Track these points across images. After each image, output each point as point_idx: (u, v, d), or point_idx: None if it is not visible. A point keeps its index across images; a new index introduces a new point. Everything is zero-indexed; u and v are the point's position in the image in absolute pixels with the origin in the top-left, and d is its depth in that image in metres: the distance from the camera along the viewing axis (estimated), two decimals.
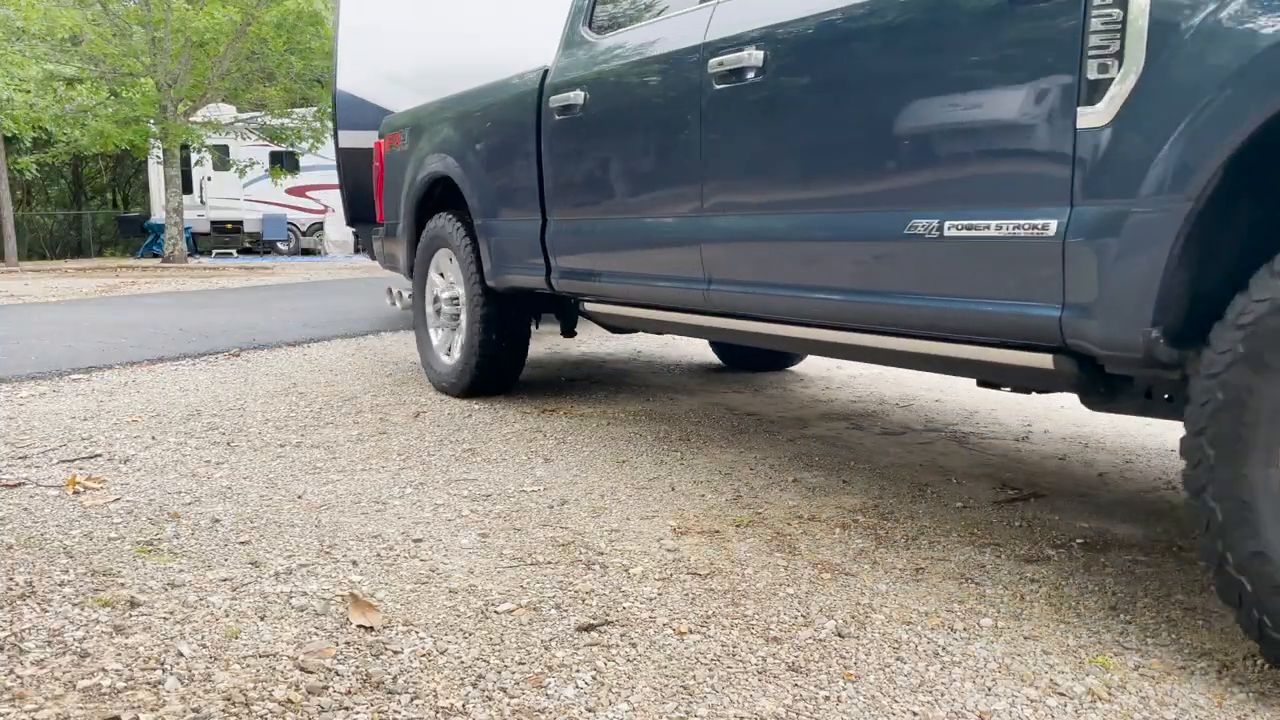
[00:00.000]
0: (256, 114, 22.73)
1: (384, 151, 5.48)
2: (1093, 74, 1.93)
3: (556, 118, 3.84)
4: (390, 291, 5.71)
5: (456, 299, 4.74)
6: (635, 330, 4.40)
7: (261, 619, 2.13)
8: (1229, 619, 2.17)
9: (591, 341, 7.12)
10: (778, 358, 5.62)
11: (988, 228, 2.17)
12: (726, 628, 2.11)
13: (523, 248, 4.13)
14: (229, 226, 26.04)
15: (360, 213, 7.39)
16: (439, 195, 4.90)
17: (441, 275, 4.90)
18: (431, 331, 5.01)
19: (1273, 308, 1.60)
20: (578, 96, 3.71)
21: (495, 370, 4.61)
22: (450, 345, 4.85)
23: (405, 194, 5.10)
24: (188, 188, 24.24)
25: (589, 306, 4.11)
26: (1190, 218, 1.75)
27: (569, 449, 3.76)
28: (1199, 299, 1.84)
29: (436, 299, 4.90)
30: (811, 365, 5.93)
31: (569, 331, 4.80)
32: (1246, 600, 1.75)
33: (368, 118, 7.11)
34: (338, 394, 4.95)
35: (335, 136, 7.68)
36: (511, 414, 4.44)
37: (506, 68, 4.49)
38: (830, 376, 5.51)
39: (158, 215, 24.39)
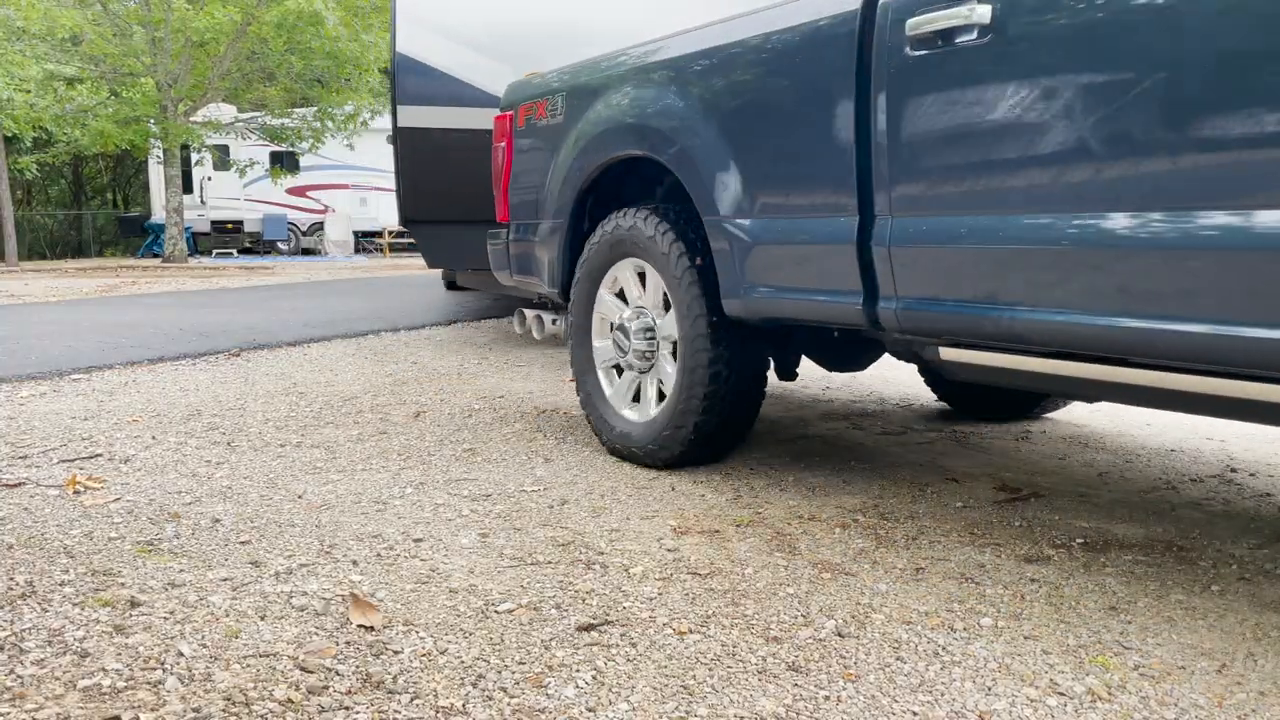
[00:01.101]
0: (257, 114, 22.74)
1: (515, 127, 4.19)
2: None
3: (916, 54, 2.45)
4: (522, 316, 4.35)
5: (650, 331, 3.41)
6: (1059, 395, 3.58)
7: (262, 619, 2.13)
8: (1229, 618, 2.18)
9: None
10: (1029, 401, 4.30)
11: None
12: (726, 627, 2.11)
13: (815, 260, 2.81)
14: (229, 226, 26.04)
15: (421, 209, 6.40)
16: (612, 185, 3.69)
17: (621, 296, 3.60)
18: (602, 375, 3.68)
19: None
20: (975, 14, 2.29)
21: (723, 432, 3.31)
22: (641, 394, 3.52)
23: (558, 183, 3.80)
24: (188, 188, 24.24)
25: (951, 355, 2.67)
26: None
27: (569, 449, 3.77)
28: None
29: (618, 328, 3.52)
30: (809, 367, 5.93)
31: (789, 374, 3.56)
32: None
33: (435, 89, 6.21)
34: (338, 394, 4.95)
35: (394, 112, 6.41)
36: (511, 414, 4.44)
37: (637, 28, 3.64)
38: (830, 377, 5.51)
39: (158, 215, 24.40)
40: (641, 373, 3.51)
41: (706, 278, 3.14)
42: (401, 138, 6.31)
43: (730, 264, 3.03)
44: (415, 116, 6.28)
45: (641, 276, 3.49)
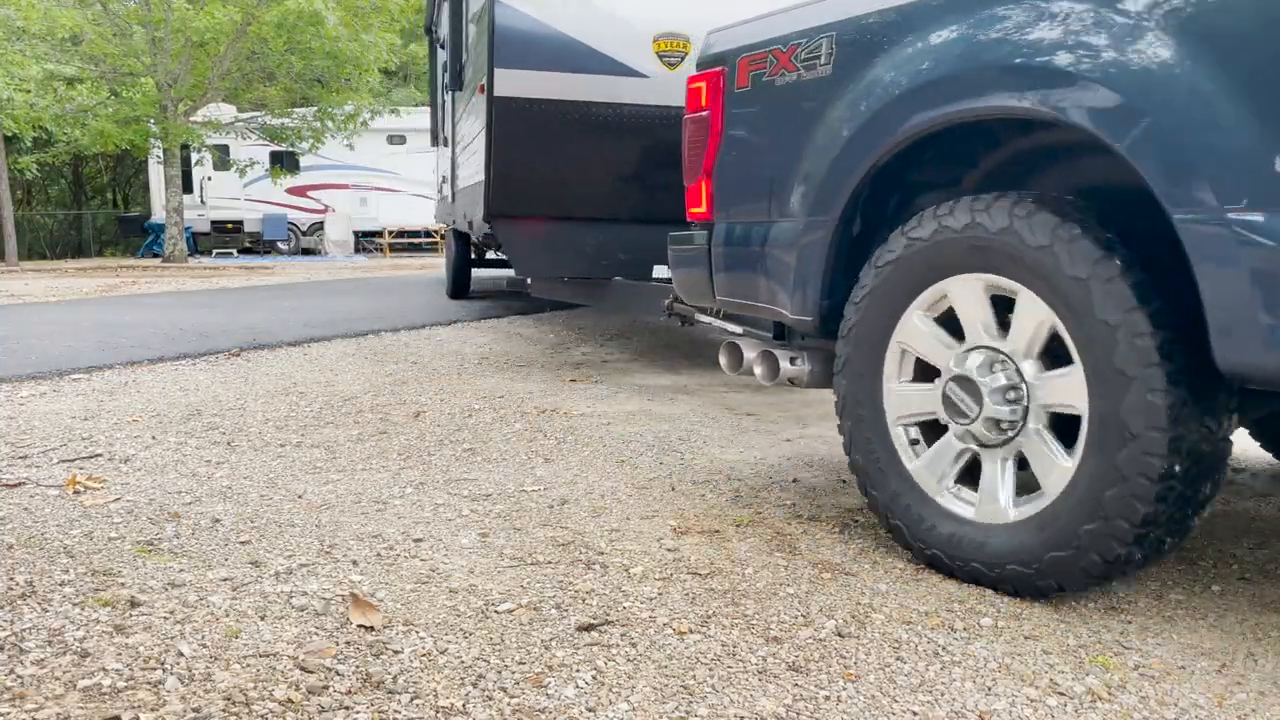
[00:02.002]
0: (257, 114, 22.73)
1: (729, 89, 3.10)
2: None
3: None
4: (736, 352, 3.19)
5: (1017, 391, 2.25)
6: None
7: (262, 619, 2.13)
8: (1229, 618, 2.18)
9: (592, 342, 7.12)
10: None
11: None
12: (727, 627, 2.11)
13: None
14: (229, 226, 26.04)
15: (515, 201, 5.35)
16: (897, 169, 2.60)
17: (950, 333, 2.42)
18: (900, 439, 2.55)
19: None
20: None
21: (1154, 553, 2.14)
22: (988, 479, 2.34)
23: (822, 165, 2.71)
24: (188, 187, 24.24)
25: None
26: None
27: (569, 449, 3.76)
28: None
29: (954, 379, 2.35)
30: None
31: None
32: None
33: (548, 51, 5.17)
34: (338, 394, 4.95)
35: (489, 76, 5.22)
36: (511, 414, 4.44)
37: None
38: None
39: (158, 215, 24.40)
40: (984, 446, 2.32)
41: (1169, 318, 2.00)
42: (497, 110, 5.14)
43: (1255, 295, 1.81)
44: (518, 84, 5.10)
45: (997, 302, 2.30)
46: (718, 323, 4.04)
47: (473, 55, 6.47)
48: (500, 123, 5.25)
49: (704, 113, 3.19)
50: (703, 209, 3.25)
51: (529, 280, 6.31)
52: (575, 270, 5.68)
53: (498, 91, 5.19)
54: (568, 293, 6.29)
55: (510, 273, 9.11)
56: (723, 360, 3.24)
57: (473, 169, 6.34)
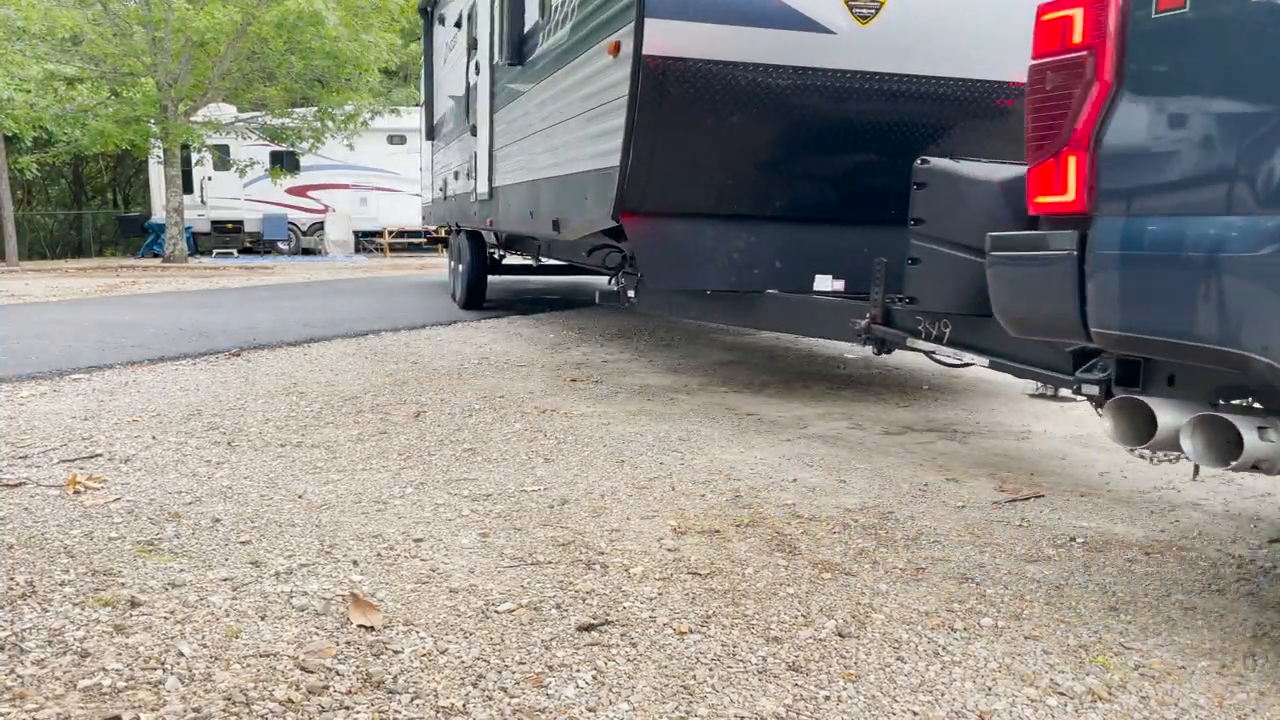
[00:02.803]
0: (257, 114, 22.72)
1: (1143, 15, 2.22)
2: None
3: None
4: (1132, 414, 2.32)
5: None
6: None
7: (262, 619, 2.13)
8: (1229, 618, 2.18)
9: (592, 342, 7.12)
10: None
11: None
12: (727, 627, 2.11)
13: None
14: (229, 226, 26.02)
15: (650, 193, 4.21)
16: None
17: None
18: None
19: None
20: None
21: None
22: None
23: None
24: (188, 187, 24.22)
25: None
26: None
27: (569, 449, 3.76)
28: None
29: None
30: (811, 364, 5.93)
31: None
32: None
33: None
34: (338, 393, 4.95)
35: (637, 28, 4.02)
36: (511, 414, 4.44)
37: None
38: (832, 375, 5.51)
39: (158, 215, 24.38)
40: None
41: None
42: (646, 75, 3.97)
43: None
44: (675, 39, 3.93)
45: None
46: (943, 353, 3.49)
47: (574, 11, 5.20)
48: (649, 91, 4.01)
49: (1076, 54, 2.31)
50: (1068, 197, 2.33)
51: (632, 294, 5.01)
52: (720, 281, 4.50)
53: (648, 49, 3.97)
54: (695, 310, 5.01)
55: (600, 281, 7.40)
56: (1111, 426, 2.35)
57: (569, 155, 5.21)
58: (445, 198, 10.48)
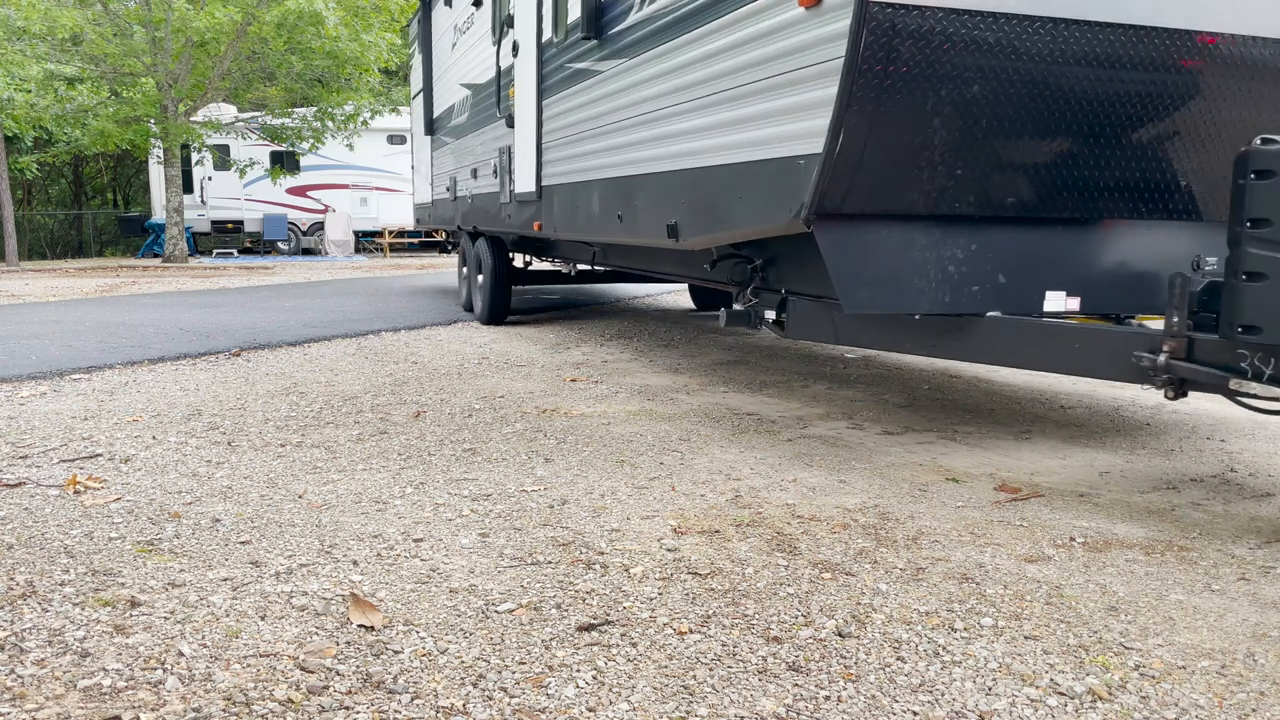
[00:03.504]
0: (257, 114, 22.73)
1: None
2: None
3: None
4: None
5: None
6: None
7: (262, 619, 2.13)
8: (1229, 618, 2.18)
9: (592, 342, 7.12)
10: None
11: None
12: (727, 627, 2.11)
13: None
14: (229, 226, 26.04)
15: (859, 188, 3.32)
16: None
17: None
18: None
19: None
20: None
21: None
22: None
23: None
24: (188, 187, 24.24)
25: None
26: None
27: (569, 449, 3.76)
28: None
29: None
30: (811, 364, 5.93)
31: None
32: None
33: None
34: (338, 393, 4.95)
35: None
36: (512, 414, 4.44)
37: None
38: (833, 375, 5.51)
39: (158, 215, 24.39)
40: None
41: None
42: (869, 33, 3.04)
43: None
44: None
45: None
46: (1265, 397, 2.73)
47: None
48: (874, 51, 3.06)
49: None
50: None
51: (771, 315, 4.26)
52: (932, 302, 3.51)
53: None
54: (873, 336, 3.95)
55: (638, 290, 7.05)
56: None
57: (701, 145, 4.19)
58: (454, 198, 9.38)
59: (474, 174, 8.42)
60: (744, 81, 3.81)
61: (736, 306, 4.48)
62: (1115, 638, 2.07)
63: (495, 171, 7.64)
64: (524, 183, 6.84)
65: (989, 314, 3.53)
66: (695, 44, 4.23)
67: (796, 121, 3.44)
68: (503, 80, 7.36)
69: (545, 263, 8.80)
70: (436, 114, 10.30)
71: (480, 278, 8.36)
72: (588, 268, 7.93)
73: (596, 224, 5.62)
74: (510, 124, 7.07)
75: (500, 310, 8.11)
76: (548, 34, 6.23)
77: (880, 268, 3.48)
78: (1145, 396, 4.83)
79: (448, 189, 9.70)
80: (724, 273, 4.69)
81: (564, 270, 8.38)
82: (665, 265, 5.83)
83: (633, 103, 4.94)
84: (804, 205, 3.35)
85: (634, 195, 4.99)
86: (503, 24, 7.30)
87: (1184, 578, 2.43)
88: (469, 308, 8.94)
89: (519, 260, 8.87)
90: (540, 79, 6.45)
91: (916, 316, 3.61)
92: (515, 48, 6.93)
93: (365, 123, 21.96)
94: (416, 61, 11.37)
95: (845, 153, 3.21)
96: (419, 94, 11.24)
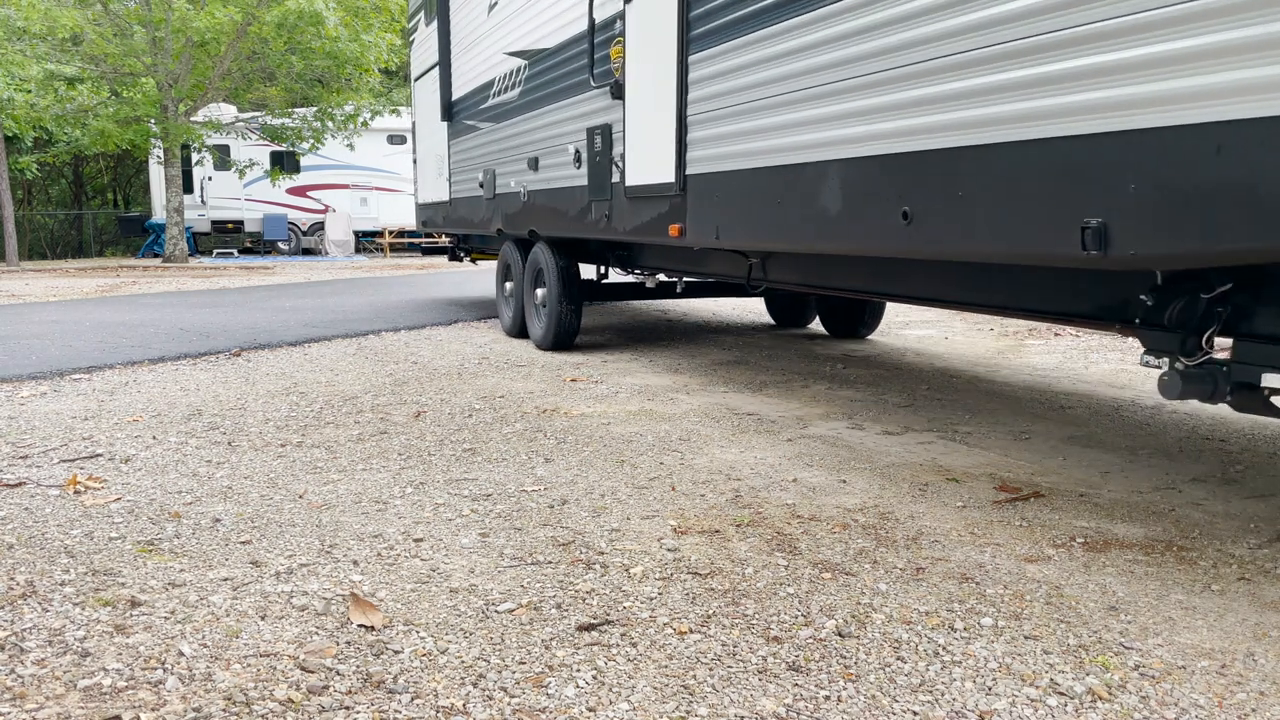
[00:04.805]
0: (257, 114, 22.74)
1: None
2: None
3: None
4: None
5: None
6: None
7: (262, 618, 2.13)
8: (1229, 618, 2.18)
9: (592, 342, 7.12)
10: None
11: None
12: (727, 627, 2.11)
13: None
14: (229, 226, 26.05)
15: None
16: None
17: None
18: None
19: None
20: None
21: None
22: None
23: None
24: (188, 187, 24.26)
25: None
26: None
27: (569, 449, 3.76)
28: None
29: None
30: (811, 364, 5.94)
31: None
32: None
33: None
34: (338, 393, 4.95)
35: None
36: (512, 414, 4.44)
37: None
38: (833, 375, 5.51)
39: (158, 215, 24.40)
40: None
41: None
42: None
43: None
44: None
45: None
46: None
47: None
48: None
49: None
50: None
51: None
52: None
53: None
54: None
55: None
56: None
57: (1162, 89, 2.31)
58: (491, 196, 7.59)
59: (533, 164, 6.71)
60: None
61: (1181, 365, 2.81)
62: (1115, 638, 2.07)
63: (577, 159, 5.94)
64: (646, 172, 5.10)
65: None
66: None
67: None
68: (598, 38, 5.64)
69: (622, 273, 6.96)
70: (459, 95, 8.51)
71: (539, 293, 6.79)
72: (674, 280, 6.46)
73: (834, 226, 3.59)
74: (617, 94, 5.37)
75: (569, 333, 6.57)
76: None
77: None
78: (1145, 396, 4.83)
79: (480, 185, 7.84)
80: (1165, 308, 2.94)
81: (647, 284, 6.71)
82: (965, 291, 3.77)
83: (968, 28, 2.85)
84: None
85: (961, 178, 3.00)
86: None
87: (1184, 578, 2.43)
88: (517, 331, 7.24)
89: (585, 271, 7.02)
90: (685, 26, 4.67)
91: None
92: None
93: (365, 123, 21.97)
94: (425, 36, 9.45)
95: None
96: (424, 75, 9.50)
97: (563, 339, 6.54)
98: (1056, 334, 7.29)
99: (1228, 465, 3.56)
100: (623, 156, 5.33)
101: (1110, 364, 5.93)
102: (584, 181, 5.83)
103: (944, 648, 2.02)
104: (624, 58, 5.29)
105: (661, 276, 6.55)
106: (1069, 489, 3.23)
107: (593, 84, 5.63)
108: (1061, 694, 1.82)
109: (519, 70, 7.02)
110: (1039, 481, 3.32)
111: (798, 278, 4.90)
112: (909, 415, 4.46)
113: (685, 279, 6.38)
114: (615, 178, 5.42)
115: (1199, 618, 2.18)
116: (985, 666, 1.93)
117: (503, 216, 7.45)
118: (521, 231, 7.05)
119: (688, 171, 4.66)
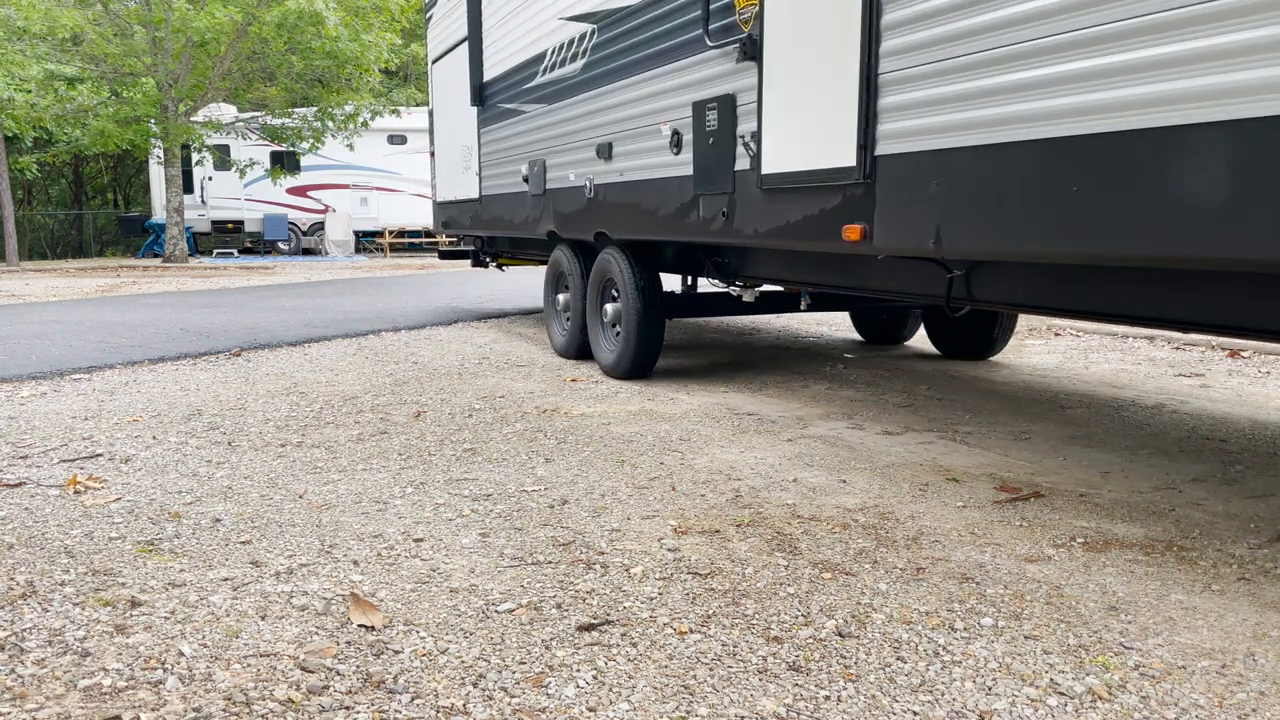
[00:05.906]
0: (257, 114, 22.74)
1: None
2: None
3: None
4: None
5: None
6: None
7: (262, 618, 2.13)
8: (1229, 618, 2.18)
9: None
10: None
11: None
12: (727, 627, 2.11)
13: None
14: (230, 226, 26.06)
15: None
16: None
17: None
18: None
19: None
20: None
21: None
22: None
23: None
24: (189, 187, 24.26)
25: None
26: None
27: (569, 449, 3.76)
28: None
29: None
30: (811, 364, 5.94)
31: None
32: None
33: None
34: (339, 393, 4.95)
35: None
36: (512, 414, 4.44)
37: None
38: (833, 375, 5.51)
39: (158, 215, 24.41)
40: None
41: None
42: None
43: None
44: None
45: None
46: None
47: None
48: None
49: None
50: None
51: None
52: None
53: None
54: None
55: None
56: None
57: None
58: (540, 192, 6.41)
59: (603, 152, 5.48)
60: None
61: None
62: (1115, 638, 2.07)
63: (675, 143, 4.73)
64: (797, 155, 3.85)
65: None
66: None
67: None
68: None
69: (715, 284, 5.54)
70: (494, 74, 7.22)
71: (609, 309, 5.62)
72: (777, 289, 5.29)
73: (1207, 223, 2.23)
74: (749, 53, 4.09)
75: (649, 358, 5.39)
76: None
77: None
78: (1146, 397, 4.83)
79: (525, 178, 6.66)
80: None
81: (744, 297, 5.30)
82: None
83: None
84: None
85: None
86: None
87: (1184, 578, 2.43)
88: (575, 352, 6.08)
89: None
90: None
91: None
92: None
93: (365, 123, 21.96)
94: (449, 10, 8.26)
95: None
96: (445, 55, 8.34)
97: (641, 365, 5.37)
98: (1057, 334, 7.29)
99: (1228, 465, 3.56)
100: (755, 135, 4.09)
101: (1110, 364, 5.93)
102: (687, 170, 4.64)
103: (944, 648, 2.02)
104: (761, 3, 4.00)
105: (767, 287, 5.21)
106: (1069, 489, 3.23)
107: (709, 42, 4.36)
108: (1061, 694, 1.82)
109: (583, 37, 5.74)
110: (1039, 481, 3.32)
111: (1034, 297, 3.34)
112: (909, 415, 4.46)
113: (820, 292, 4.95)
114: (742, 164, 4.21)
115: (1199, 618, 2.18)
116: (985, 666, 1.93)
117: (556, 216, 6.25)
118: (585, 234, 5.86)
119: (878, 151, 3.35)
